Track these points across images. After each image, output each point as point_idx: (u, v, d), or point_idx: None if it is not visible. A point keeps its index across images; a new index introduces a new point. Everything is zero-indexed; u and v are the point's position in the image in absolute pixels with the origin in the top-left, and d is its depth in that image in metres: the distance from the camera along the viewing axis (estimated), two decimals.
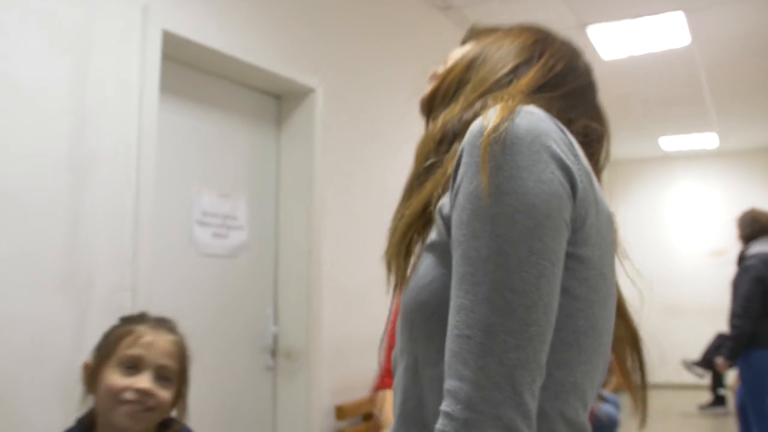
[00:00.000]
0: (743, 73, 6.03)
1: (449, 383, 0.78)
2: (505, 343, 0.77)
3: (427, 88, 1.12)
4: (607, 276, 0.91)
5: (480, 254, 0.79)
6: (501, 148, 0.81)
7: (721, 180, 9.39)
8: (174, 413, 1.60)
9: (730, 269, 8.45)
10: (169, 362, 1.55)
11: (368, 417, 3.38)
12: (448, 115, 1.00)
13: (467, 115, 0.97)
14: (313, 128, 3.19)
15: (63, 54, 2.16)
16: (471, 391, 0.76)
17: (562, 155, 0.84)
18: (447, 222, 0.87)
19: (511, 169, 0.80)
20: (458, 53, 1.12)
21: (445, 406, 0.78)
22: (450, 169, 0.89)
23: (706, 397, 7.70)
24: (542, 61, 1.06)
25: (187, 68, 2.79)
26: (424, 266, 0.90)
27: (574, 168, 0.84)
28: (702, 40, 5.14)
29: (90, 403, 1.55)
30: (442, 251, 0.87)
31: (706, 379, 7.64)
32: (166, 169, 2.62)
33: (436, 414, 0.80)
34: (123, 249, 2.29)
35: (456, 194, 0.84)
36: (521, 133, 0.82)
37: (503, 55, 1.06)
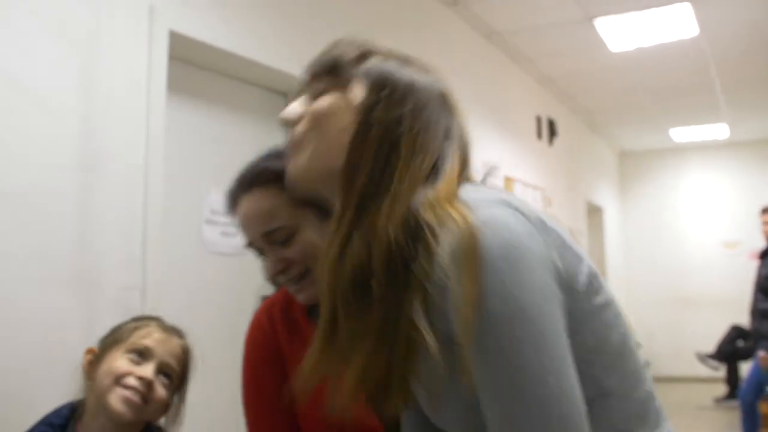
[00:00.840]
0: (752, 63, 6.00)
1: None
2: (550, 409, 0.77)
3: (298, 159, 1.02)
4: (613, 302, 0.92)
5: (498, 367, 0.78)
6: (487, 261, 0.78)
7: (733, 170, 9.34)
8: (164, 423, 1.60)
9: (743, 260, 8.44)
10: (174, 363, 1.58)
11: None
12: (389, 220, 0.87)
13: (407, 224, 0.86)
14: None
15: (71, 55, 2.17)
16: None
17: (541, 256, 0.82)
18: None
19: (503, 288, 0.78)
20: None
21: None
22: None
23: (722, 389, 7.66)
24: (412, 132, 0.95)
25: (194, 67, 2.80)
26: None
27: (554, 256, 0.84)
28: (710, 31, 5.11)
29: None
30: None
31: (721, 372, 7.61)
32: (175, 167, 2.63)
33: None
34: (132, 247, 2.30)
35: (452, 317, 0.80)
36: (499, 252, 0.79)
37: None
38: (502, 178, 5.14)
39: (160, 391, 1.52)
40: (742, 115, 7.95)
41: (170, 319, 2.54)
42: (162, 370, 1.55)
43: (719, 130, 8.66)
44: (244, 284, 2.97)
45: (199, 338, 2.74)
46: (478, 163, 3.67)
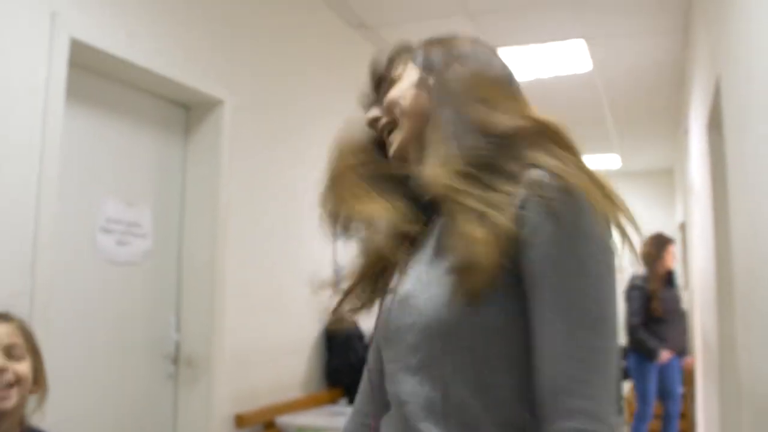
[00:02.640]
0: (641, 99, 6.36)
1: (575, 403, 0.92)
2: (608, 362, 0.94)
3: (393, 141, 1.19)
4: None
5: (578, 289, 0.95)
6: (577, 199, 0.98)
7: (625, 198, 9.77)
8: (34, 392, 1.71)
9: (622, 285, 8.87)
10: (16, 341, 1.66)
11: (269, 425, 3.43)
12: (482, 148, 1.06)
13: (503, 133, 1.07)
14: (221, 139, 3.23)
15: None
16: (597, 407, 0.92)
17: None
18: (510, 254, 0.98)
19: (590, 216, 0.98)
20: (407, 96, 1.17)
21: (578, 423, 0.91)
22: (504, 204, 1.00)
23: None
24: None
25: (95, 76, 2.80)
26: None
27: None
28: (602, 67, 5.41)
29: None
30: (493, 276, 0.98)
31: None
32: (71, 175, 2.62)
33: (477, 417, 0.98)
34: (23, 253, 2.28)
35: (531, 233, 0.97)
36: (584, 187, 1.00)
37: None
38: None
39: (17, 367, 1.62)
40: (631, 147, 8.38)
41: (59, 325, 2.53)
42: (7, 352, 1.63)
43: (612, 160, 9.09)
44: (136, 293, 2.97)
45: (88, 345, 2.74)
46: None
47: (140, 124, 3.04)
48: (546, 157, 1.04)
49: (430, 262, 1.07)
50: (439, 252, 1.06)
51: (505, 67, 1.21)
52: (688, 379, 6.76)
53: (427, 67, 1.17)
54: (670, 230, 9.20)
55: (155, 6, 2.88)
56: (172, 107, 3.22)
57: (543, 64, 5.31)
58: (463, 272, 0.98)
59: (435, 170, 1.05)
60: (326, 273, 4.16)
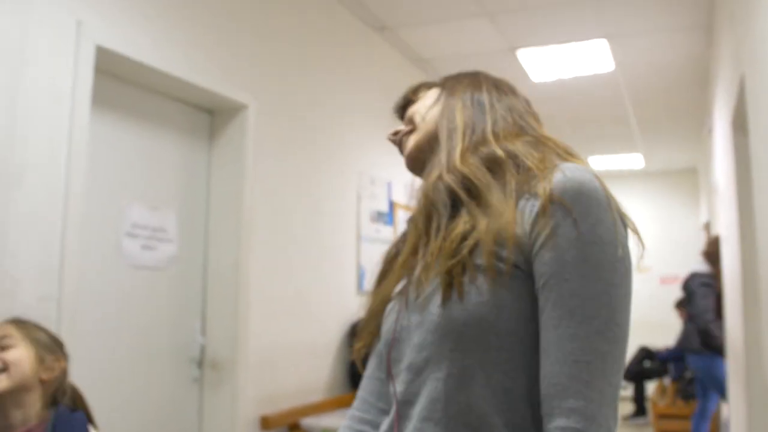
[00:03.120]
0: (664, 98, 6.32)
1: (572, 402, 0.93)
2: (614, 368, 0.95)
3: (409, 141, 1.28)
4: None
5: (590, 293, 0.96)
6: (597, 203, 0.99)
7: (647, 198, 9.73)
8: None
9: (653, 285, 8.79)
10: (6, 331, 1.81)
11: (294, 427, 3.45)
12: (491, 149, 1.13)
13: (515, 149, 1.11)
14: (245, 143, 3.25)
15: None
16: (595, 409, 0.92)
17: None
18: (521, 251, 1.01)
19: (615, 230, 0.99)
20: (427, 108, 1.27)
21: (572, 422, 0.93)
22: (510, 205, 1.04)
23: (629, 408, 7.96)
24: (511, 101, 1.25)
25: (120, 82, 2.83)
26: (478, 285, 1.00)
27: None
28: (625, 67, 5.38)
29: None
30: (501, 273, 1.00)
31: (629, 391, 7.91)
32: (97, 181, 2.66)
33: (482, 418, 0.99)
34: (50, 259, 2.32)
35: (548, 235, 0.98)
36: (603, 193, 1.01)
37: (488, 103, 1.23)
38: None
39: (8, 354, 1.77)
40: (655, 146, 8.32)
41: (87, 330, 2.56)
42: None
43: (635, 160, 9.04)
44: (162, 298, 3.00)
45: (114, 349, 2.78)
46: (399, 185, 3.86)
47: (165, 130, 3.07)
48: (560, 161, 1.07)
49: (434, 264, 1.07)
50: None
51: (524, 101, 1.28)
52: None
53: (445, 88, 1.28)
54: (693, 230, 9.15)
55: (179, 12, 2.91)
56: (197, 112, 3.26)
57: (565, 64, 5.30)
58: (462, 272, 1.01)
59: (440, 172, 1.13)
60: (350, 276, 4.18)
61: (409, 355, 1.08)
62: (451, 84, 1.28)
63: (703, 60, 5.23)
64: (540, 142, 1.13)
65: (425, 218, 1.12)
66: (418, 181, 1.22)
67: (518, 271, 1.00)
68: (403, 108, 1.37)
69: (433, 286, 1.05)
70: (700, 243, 8.31)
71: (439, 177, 1.12)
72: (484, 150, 1.12)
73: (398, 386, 1.10)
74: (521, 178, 1.06)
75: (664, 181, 9.81)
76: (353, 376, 4.12)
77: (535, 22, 4.59)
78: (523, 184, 1.05)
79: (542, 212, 0.99)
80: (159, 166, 3.03)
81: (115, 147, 2.80)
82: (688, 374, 7.06)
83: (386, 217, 4.68)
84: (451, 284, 1.02)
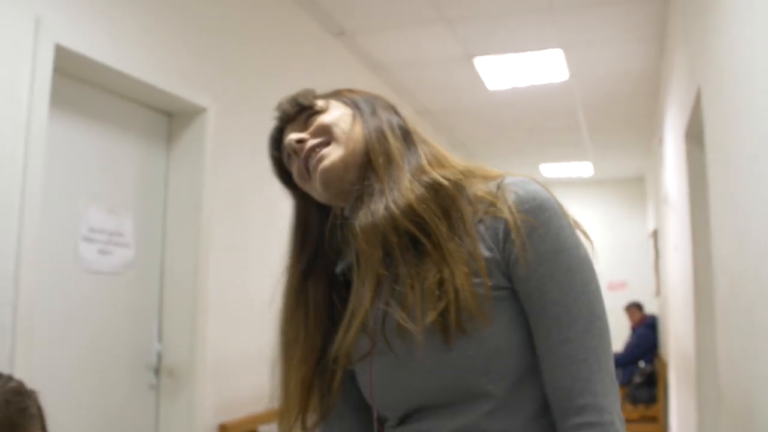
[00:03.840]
0: (615, 108, 6.44)
1: (581, 400, 0.98)
2: (606, 358, 1.01)
3: (330, 155, 1.16)
4: None
5: (569, 298, 1.01)
6: (554, 213, 1.06)
7: (596, 206, 9.91)
8: None
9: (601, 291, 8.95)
10: None
11: None
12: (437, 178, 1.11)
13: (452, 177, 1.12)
14: (204, 147, 3.21)
15: None
16: (602, 401, 0.98)
17: None
18: (501, 273, 1.04)
19: (573, 233, 1.05)
20: (346, 122, 1.20)
21: (585, 417, 0.98)
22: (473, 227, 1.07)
23: None
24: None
25: (79, 83, 2.76)
26: (475, 321, 1.02)
27: None
28: (579, 77, 5.46)
29: None
30: (493, 301, 1.03)
31: None
32: (54, 183, 2.59)
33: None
34: (6, 263, 2.25)
35: (518, 253, 1.02)
36: (555, 201, 1.08)
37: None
38: None
39: None
40: (604, 155, 8.48)
41: (42, 335, 2.49)
42: None
43: (584, 168, 9.19)
44: (118, 303, 2.94)
45: (70, 356, 2.71)
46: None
47: (123, 132, 3.00)
48: (508, 177, 1.13)
49: (422, 306, 1.03)
50: (418, 289, 1.04)
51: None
52: (662, 383, 6.86)
53: (355, 105, 1.22)
54: (641, 237, 9.34)
55: (140, 13, 2.86)
56: (156, 114, 3.20)
57: (520, 73, 5.36)
58: (456, 313, 1.01)
59: (391, 209, 1.06)
60: None
61: (413, 399, 1.07)
62: (365, 101, 1.23)
63: (654, 71, 5.35)
64: (466, 168, 1.17)
65: (378, 262, 1.06)
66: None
67: (505, 290, 1.04)
68: (297, 110, 1.24)
69: (428, 332, 1.02)
70: (648, 250, 8.49)
71: (392, 216, 1.05)
72: (426, 179, 1.10)
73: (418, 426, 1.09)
74: (473, 205, 1.09)
75: (612, 189, 10.00)
76: None
77: (492, 30, 4.63)
78: (477, 210, 1.08)
79: (510, 232, 1.03)
80: (116, 168, 2.96)
81: (72, 149, 2.73)
82: (636, 379, 7.21)
83: None
84: (447, 326, 1.01)
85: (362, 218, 1.08)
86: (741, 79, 2.13)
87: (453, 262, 1.02)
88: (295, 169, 1.21)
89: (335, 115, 1.19)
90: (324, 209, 1.23)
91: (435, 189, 1.08)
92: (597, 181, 10.00)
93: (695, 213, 3.55)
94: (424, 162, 1.14)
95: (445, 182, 1.09)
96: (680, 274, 4.43)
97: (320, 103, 1.22)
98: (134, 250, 3.01)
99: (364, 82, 5.16)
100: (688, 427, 4.31)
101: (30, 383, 1.92)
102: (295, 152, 1.19)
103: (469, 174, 1.14)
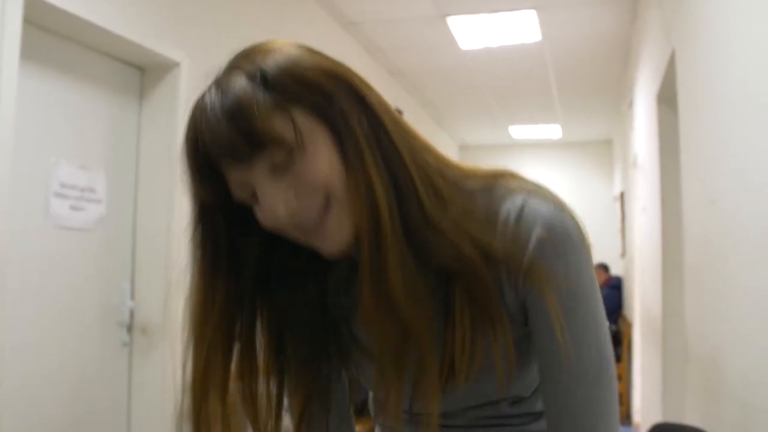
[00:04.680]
0: (586, 71, 6.46)
1: (594, 423, 0.95)
2: (614, 411, 0.96)
3: (340, 228, 0.88)
4: None
5: (587, 345, 0.95)
6: (574, 249, 0.93)
7: (564, 168, 9.99)
8: None
9: None
10: None
11: None
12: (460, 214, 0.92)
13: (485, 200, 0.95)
14: (176, 103, 3.16)
15: None
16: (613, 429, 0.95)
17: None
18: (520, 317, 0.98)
19: (592, 273, 0.96)
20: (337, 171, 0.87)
21: None
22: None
23: None
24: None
25: (50, 35, 2.69)
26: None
27: None
28: (551, 38, 5.46)
29: None
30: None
31: None
32: (24, 137, 2.54)
33: None
34: None
35: (539, 296, 0.93)
36: (577, 233, 0.94)
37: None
38: None
39: None
40: (573, 117, 8.53)
41: (14, 291, 2.46)
42: None
43: (553, 130, 9.24)
44: (90, 260, 2.91)
45: (41, 313, 2.68)
46: None
47: (95, 86, 2.94)
48: (530, 198, 0.95)
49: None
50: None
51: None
52: (626, 342, 7.00)
53: (331, 118, 0.87)
54: (607, 200, 9.45)
55: None
56: (128, 69, 3.13)
57: (493, 33, 5.34)
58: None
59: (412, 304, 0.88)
60: None
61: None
62: (334, 115, 0.87)
63: (626, 35, 5.37)
64: (469, 190, 0.96)
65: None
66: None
67: (523, 330, 0.99)
68: (251, 142, 0.84)
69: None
70: (614, 212, 8.60)
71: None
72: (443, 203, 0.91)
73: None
74: (491, 225, 0.93)
75: (580, 152, 10.08)
76: None
77: None
78: (496, 264, 0.93)
79: (531, 273, 0.93)
80: (88, 123, 2.91)
81: (42, 103, 2.68)
82: None
83: None
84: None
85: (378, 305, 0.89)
86: (716, 41, 2.15)
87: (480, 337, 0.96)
88: (263, 216, 0.90)
89: (323, 161, 0.85)
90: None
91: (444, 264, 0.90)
92: (565, 144, 10.07)
93: (665, 175, 3.60)
94: (426, 208, 0.89)
95: (466, 252, 0.90)
96: (648, 236, 4.50)
97: (279, 130, 0.83)
98: (106, 206, 2.98)
99: (335, 39, 5.11)
100: (653, 384, 4.42)
101: (1, 342, 1.90)
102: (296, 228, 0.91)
103: (478, 190, 0.96)
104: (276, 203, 0.86)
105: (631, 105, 5.71)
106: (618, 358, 7.22)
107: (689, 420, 2.74)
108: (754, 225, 1.72)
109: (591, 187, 9.85)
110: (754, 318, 1.69)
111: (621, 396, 6.42)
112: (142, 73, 3.21)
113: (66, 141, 2.78)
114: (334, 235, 0.88)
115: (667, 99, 3.46)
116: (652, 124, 3.93)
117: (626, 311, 7.67)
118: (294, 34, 4.41)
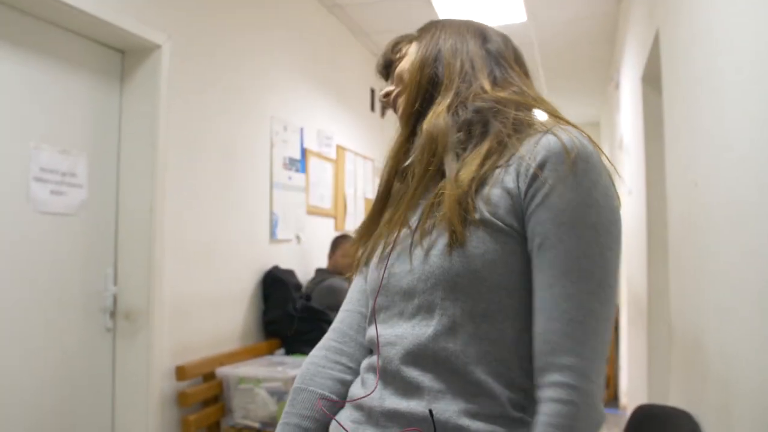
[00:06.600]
0: (572, 52, 6.43)
1: (567, 359, 0.95)
2: (605, 327, 0.97)
3: (399, 107, 1.27)
4: None
5: (585, 254, 0.97)
6: (592, 167, 1.00)
7: None
8: None
9: None
10: None
11: (209, 377, 3.41)
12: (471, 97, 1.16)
13: (496, 96, 1.16)
14: (158, 85, 3.12)
15: None
16: (588, 366, 0.95)
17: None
18: (514, 211, 1.02)
19: (604, 187, 1.00)
20: (411, 64, 1.25)
21: (566, 378, 0.95)
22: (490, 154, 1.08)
23: None
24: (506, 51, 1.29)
25: (28, 16, 2.65)
26: (475, 238, 1.02)
27: None
28: (537, 19, 5.44)
29: None
30: (496, 229, 1.01)
31: None
32: (2, 121, 2.51)
33: (466, 365, 1.01)
34: None
35: (545, 195, 0.99)
36: (598, 157, 1.02)
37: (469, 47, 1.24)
38: (335, 147, 5.23)
39: None
40: (560, 99, 8.49)
41: None
42: None
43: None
44: (72, 245, 2.89)
45: (23, 298, 2.66)
46: (312, 132, 3.84)
47: (74, 69, 2.91)
48: (551, 122, 1.10)
49: (430, 213, 1.09)
50: (437, 203, 1.08)
51: (512, 51, 1.30)
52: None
53: (430, 38, 1.26)
54: None
55: None
56: (108, 51, 3.09)
57: (479, 12, 5.31)
58: (464, 223, 1.02)
59: (436, 121, 1.14)
60: (263, 224, 4.13)
61: (398, 302, 1.10)
62: (432, 32, 1.27)
63: (613, 15, 5.35)
64: (526, 101, 1.17)
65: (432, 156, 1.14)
66: (328, 129, 1.24)
67: (512, 230, 1.02)
68: (386, 67, 1.36)
69: (435, 234, 1.06)
70: None
71: (430, 128, 1.14)
72: (475, 103, 1.15)
73: (383, 329, 1.11)
74: (515, 135, 1.09)
75: None
76: (266, 326, 4.10)
77: None
78: (515, 142, 1.07)
79: (538, 174, 1.00)
80: (68, 107, 2.88)
81: (22, 86, 2.64)
82: None
83: (298, 164, 4.61)
84: (454, 232, 1.02)
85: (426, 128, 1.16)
86: (698, 21, 2.14)
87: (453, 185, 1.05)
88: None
89: (407, 61, 1.28)
90: None
91: (479, 113, 1.13)
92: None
93: (650, 156, 3.59)
94: (477, 85, 1.17)
95: (489, 105, 1.13)
96: (634, 218, 4.51)
97: (403, 50, 1.32)
98: (88, 191, 2.95)
99: (319, 21, 5.07)
100: (640, 364, 4.44)
101: None
102: (387, 103, 1.32)
103: (525, 103, 1.17)
104: (381, 91, 1.37)
105: (617, 86, 5.70)
106: None
107: (673, 401, 2.75)
108: (732, 206, 1.71)
109: None
110: (735, 298, 1.69)
111: (608, 378, 6.46)
112: (123, 55, 3.17)
113: (46, 125, 2.75)
114: (398, 109, 1.29)
115: (652, 80, 3.45)
116: (637, 106, 3.92)
117: None
118: (278, 16, 4.37)
